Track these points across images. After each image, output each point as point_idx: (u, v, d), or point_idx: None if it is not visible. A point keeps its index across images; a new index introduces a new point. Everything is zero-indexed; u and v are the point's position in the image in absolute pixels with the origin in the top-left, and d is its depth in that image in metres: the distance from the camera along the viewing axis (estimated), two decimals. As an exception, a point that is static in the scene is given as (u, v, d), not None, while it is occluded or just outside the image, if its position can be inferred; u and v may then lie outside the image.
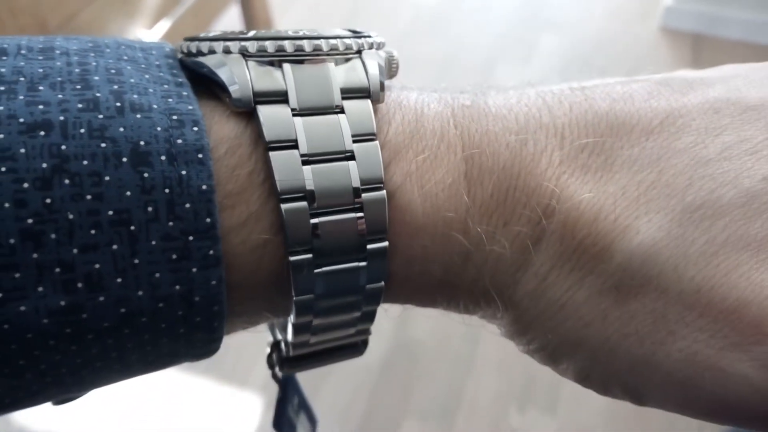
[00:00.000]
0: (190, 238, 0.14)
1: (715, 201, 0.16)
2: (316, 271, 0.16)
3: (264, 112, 0.16)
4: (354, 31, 0.18)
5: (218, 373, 1.00)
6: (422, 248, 0.17)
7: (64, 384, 0.15)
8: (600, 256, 0.16)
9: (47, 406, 0.16)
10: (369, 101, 0.17)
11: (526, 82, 0.20)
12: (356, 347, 0.21)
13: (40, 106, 0.14)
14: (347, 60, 0.17)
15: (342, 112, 0.17)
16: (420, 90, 0.19)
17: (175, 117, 0.15)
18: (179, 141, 0.14)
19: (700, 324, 0.15)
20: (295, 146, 0.16)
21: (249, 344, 0.96)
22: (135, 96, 0.15)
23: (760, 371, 0.15)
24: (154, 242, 0.14)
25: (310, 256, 0.16)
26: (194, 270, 0.14)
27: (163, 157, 0.14)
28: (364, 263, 0.17)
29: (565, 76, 1.59)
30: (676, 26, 1.77)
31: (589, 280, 0.17)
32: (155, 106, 0.15)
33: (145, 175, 0.14)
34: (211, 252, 0.14)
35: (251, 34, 0.17)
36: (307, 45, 0.17)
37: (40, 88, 0.14)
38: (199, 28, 1.29)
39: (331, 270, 0.16)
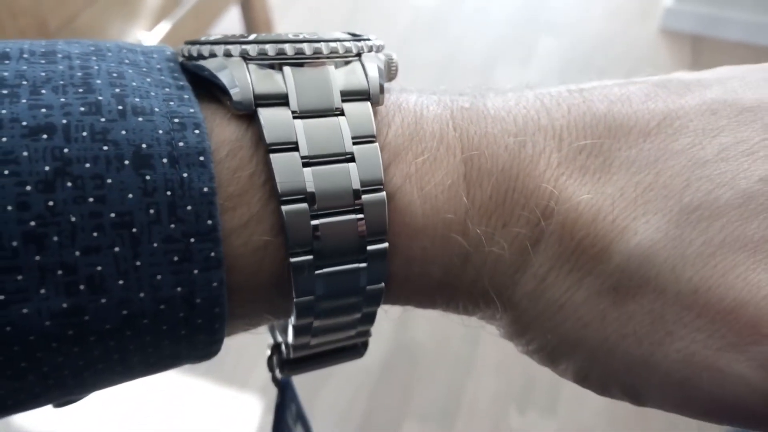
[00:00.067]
0: (192, 240, 0.14)
1: (713, 202, 0.16)
2: (317, 272, 0.16)
3: (265, 114, 0.16)
4: (354, 35, 0.19)
5: (218, 375, 1.00)
6: (422, 249, 0.17)
7: (66, 386, 0.15)
8: (598, 257, 0.17)
9: (48, 408, 0.16)
10: (369, 104, 0.17)
11: (525, 84, 0.20)
12: (356, 349, 0.21)
13: (43, 110, 0.14)
14: (347, 63, 0.17)
15: (342, 114, 0.17)
16: (419, 92, 0.19)
17: (176, 120, 0.15)
18: (181, 144, 0.14)
19: (698, 324, 0.16)
20: (296, 148, 0.16)
21: (249, 346, 0.96)
22: (137, 99, 0.15)
23: (758, 371, 0.15)
24: (155, 244, 0.14)
25: (310, 257, 0.16)
26: (196, 272, 0.14)
27: (164, 160, 0.14)
28: (364, 264, 0.17)
29: (564, 77, 1.59)
30: (676, 27, 1.78)
31: (588, 281, 0.17)
32: (157, 110, 0.15)
33: (147, 177, 0.14)
34: (213, 254, 0.14)
35: (252, 37, 0.17)
36: (307, 48, 0.17)
37: (43, 91, 0.14)
38: (199, 30, 1.29)
39: (332, 271, 0.17)
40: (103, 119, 0.14)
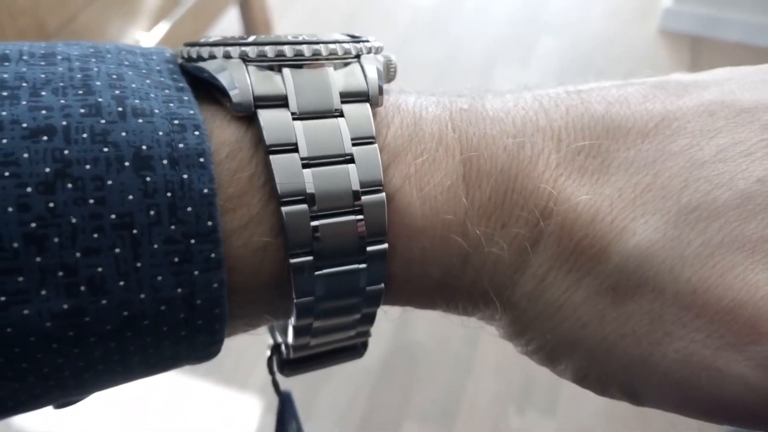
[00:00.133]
0: (192, 241, 0.14)
1: (711, 203, 0.16)
2: (317, 273, 0.16)
3: (264, 116, 0.16)
4: (352, 36, 0.19)
5: (218, 376, 1.00)
6: (421, 250, 0.17)
7: (66, 387, 0.15)
8: (597, 258, 0.17)
9: (48, 409, 0.16)
10: (368, 105, 0.17)
11: (524, 85, 0.20)
12: (356, 349, 0.21)
13: (43, 111, 0.14)
14: (346, 64, 0.18)
15: (341, 115, 0.17)
16: (418, 94, 0.19)
17: (176, 121, 0.15)
18: (181, 145, 0.14)
19: (697, 324, 0.16)
20: (295, 150, 0.16)
21: (249, 347, 0.96)
22: (137, 101, 0.15)
23: (756, 371, 0.15)
24: (156, 245, 0.14)
25: (310, 258, 0.16)
26: (196, 273, 0.14)
27: (164, 161, 0.14)
28: (364, 265, 0.17)
29: (564, 77, 1.59)
30: (675, 28, 1.78)
31: (587, 281, 0.17)
32: (157, 111, 0.15)
33: (147, 179, 0.14)
34: (213, 255, 0.15)
35: (251, 39, 0.17)
36: (306, 50, 0.17)
37: (43, 93, 0.14)
38: (198, 31, 1.29)
39: (332, 272, 0.17)
40: (103, 121, 0.14)
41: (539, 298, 0.17)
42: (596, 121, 0.18)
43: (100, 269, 0.14)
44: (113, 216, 0.14)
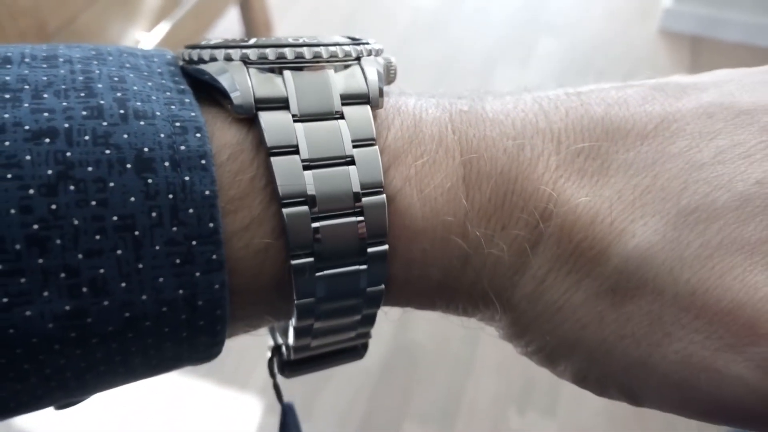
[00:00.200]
0: (194, 242, 0.14)
1: (710, 204, 0.16)
2: (318, 274, 0.16)
3: (265, 118, 0.16)
4: (353, 38, 0.19)
5: (219, 376, 1.00)
6: (421, 252, 0.17)
7: (68, 388, 0.15)
8: (597, 259, 0.17)
9: (49, 410, 0.16)
10: (368, 107, 0.17)
11: (523, 87, 0.20)
12: (356, 351, 0.21)
13: (45, 114, 0.14)
14: (346, 67, 0.18)
15: (342, 117, 0.17)
16: (418, 95, 0.19)
17: (178, 124, 0.15)
18: (182, 147, 0.15)
19: (696, 326, 0.16)
20: (296, 152, 0.16)
21: (250, 348, 0.96)
22: (138, 103, 0.15)
23: (755, 372, 0.15)
24: (158, 247, 0.14)
25: (311, 259, 0.16)
26: (197, 274, 0.14)
27: (166, 164, 0.14)
28: (364, 266, 0.17)
29: (563, 78, 1.59)
30: (675, 28, 1.78)
31: (586, 283, 0.17)
32: (158, 113, 0.15)
33: (149, 181, 0.14)
34: (214, 256, 0.15)
35: (252, 41, 0.17)
36: (307, 52, 0.17)
37: (45, 95, 0.14)
38: (198, 31, 1.29)
39: (332, 273, 0.17)
40: (105, 123, 0.14)
41: (539, 299, 0.18)
42: (596, 123, 0.18)
43: (102, 271, 0.14)
44: (115, 218, 0.14)
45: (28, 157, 0.13)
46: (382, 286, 0.18)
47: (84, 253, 0.13)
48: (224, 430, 0.95)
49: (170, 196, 0.14)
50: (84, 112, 0.14)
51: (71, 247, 0.13)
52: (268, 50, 0.17)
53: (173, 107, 0.15)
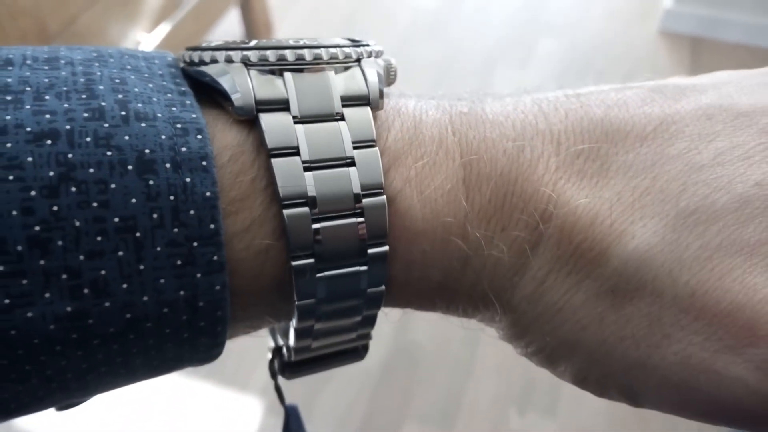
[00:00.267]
0: (195, 244, 0.14)
1: (709, 206, 0.16)
2: (318, 275, 0.16)
3: (266, 119, 0.16)
4: (353, 40, 0.19)
5: (219, 377, 1.00)
6: (422, 253, 0.17)
7: (69, 389, 0.15)
8: (596, 261, 0.17)
9: (50, 411, 0.16)
10: (368, 108, 0.17)
11: (523, 88, 0.20)
12: (357, 352, 0.21)
13: (47, 116, 0.14)
14: (347, 68, 0.18)
15: (342, 119, 0.17)
16: (418, 97, 0.19)
17: (179, 125, 0.15)
18: (183, 149, 0.15)
19: (695, 327, 0.16)
20: (297, 153, 0.16)
21: (250, 348, 0.96)
22: (139, 105, 0.15)
23: (755, 373, 0.15)
24: (159, 248, 0.14)
25: (311, 260, 0.16)
26: (198, 275, 0.15)
27: (167, 165, 0.14)
28: (364, 267, 0.17)
29: (563, 78, 1.59)
30: (675, 29, 1.78)
31: (586, 284, 0.17)
32: (159, 115, 0.15)
33: (150, 182, 0.14)
34: (215, 258, 0.15)
35: (253, 43, 0.17)
36: (307, 54, 0.17)
37: (47, 97, 0.14)
38: (199, 32, 1.30)
39: (333, 274, 0.17)
40: (106, 125, 0.14)
41: (539, 300, 0.18)
42: (595, 124, 0.18)
43: (103, 272, 0.14)
44: (116, 219, 0.14)
45: (29, 159, 0.13)
46: (383, 287, 0.18)
47: (85, 254, 0.13)
48: (225, 431, 0.95)
49: (171, 197, 0.14)
50: (85, 114, 0.14)
51: (73, 248, 0.13)
52: (268, 52, 0.17)
53: (174, 109, 0.15)
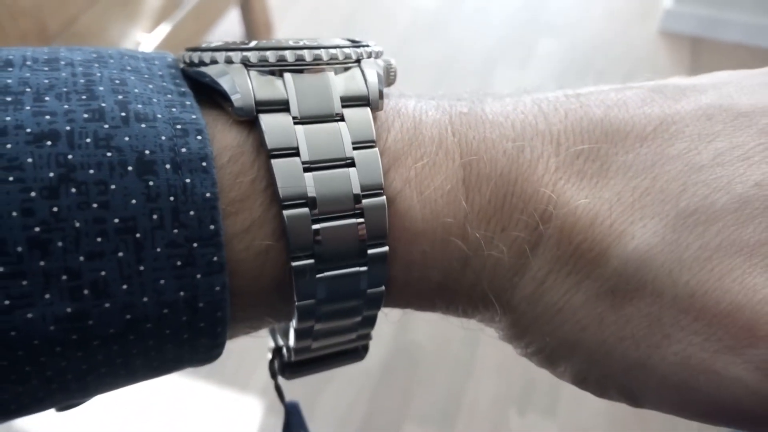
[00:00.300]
0: (195, 245, 0.14)
1: (709, 206, 0.16)
2: (318, 276, 0.16)
3: (266, 120, 0.16)
4: (353, 41, 0.19)
5: (219, 378, 1.00)
6: (421, 253, 0.17)
7: (69, 390, 0.15)
8: (596, 261, 0.17)
9: (50, 411, 0.17)
10: (368, 109, 0.17)
11: (523, 88, 0.20)
12: (357, 352, 0.21)
13: (47, 117, 0.14)
14: (346, 69, 0.18)
15: (342, 120, 0.17)
16: (418, 97, 0.19)
17: (179, 126, 0.15)
18: (183, 150, 0.15)
19: (695, 328, 0.16)
20: (297, 154, 0.16)
21: (250, 349, 0.96)
22: (139, 106, 0.15)
23: (754, 373, 0.15)
24: (159, 249, 0.14)
25: (311, 261, 0.16)
26: (198, 276, 0.15)
27: (167, 166, 0.14)
28: (364, 268, 0.17)
29: (563, 78, 1.59)
30: (675, 29, 1.78)
31: (586, 285, 0.17)
32: (159, 116, 0.15)
33: (150, 183, 0.14)
34: (215, 258, 0.15)
35: (253, 44, 0.17)
36: (307, 55, 0.17)
37: (47, 98, 0.14)
38: (199, 32, 1.30)
39: (333, 275, 0.17)
40: (106, 126, 0.14)
41: (539, 300, 0.18)
42: (595, 124, 0.18)
43: (103, 273, 0.14)
44: (116, 220, 0.14)
45: (29, 160, 0.13)
46: (383, 288, 0.18)
47: (85, 255, 0.13)
48: (225, 431, 0.95)
49: (171, 198, 0.14)
50: (85, 115, 0.14)
51: (72, 249, 0.13)
52: (268, 53, 0.17)
53: (174, 110, 0.15)
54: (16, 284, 0.13)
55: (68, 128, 0.14)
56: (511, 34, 1.77)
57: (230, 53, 0.17)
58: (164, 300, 0.14)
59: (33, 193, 0.13)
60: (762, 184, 0.16)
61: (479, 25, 1.80)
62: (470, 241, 0.17)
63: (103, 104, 0.14)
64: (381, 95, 0.18)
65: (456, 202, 0.17)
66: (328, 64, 0.17)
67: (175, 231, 0.14)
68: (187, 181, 0.14)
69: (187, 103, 0.16)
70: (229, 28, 1.56)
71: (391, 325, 1.04)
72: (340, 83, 0.17)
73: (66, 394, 0.15)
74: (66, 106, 0.14)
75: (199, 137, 0.15)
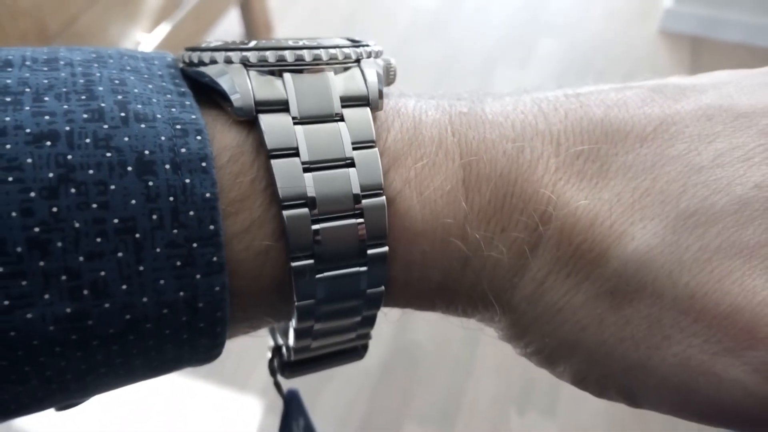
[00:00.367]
0: (194, 245, 0.14)
1: (709, 208, 0.16)
2: (318, 276, 0.16)
3: (265, 120, 0.16)
4: (352, 40, 0.19)
5: (219, 377, 1.00)
6: (421, 253, 0.17)
7: (68, 390, 0.15)
8: (596, 262, 0.17)
9: (50, 411, 0.17)
10: (368, 109, 0.17)
11: (523, 88, 0.20)
12: (356, 351, 0.21)
13: (46, 117, 0.14)
14: (346, 69, 0.18)
15: (342, 120, 0.17)
16: (418, 97, 0.19)
17: (178, 126, 0.15)
18: (183, 150, 0.15)
19: (695, 329, 0.16)
20: (296, 154, 0.16)
21: (249, 348, 0.96)
22: (139, 106, 0.15)
23: (753, 375, 0.15)
24: (158, 249, 0.14)
25: (311, 261, 0.16)
26: (198, 276, 0.15)
27: (167, 166, 0.14)
28: (364, 268, 0.17)
29: (563, 78, 1.59)
30: (675, 29, 1.78)
31: (586, 285, 0.17)
32: (159, 116, 0.15)
33: (150, 183, 0.14)
34: (215, 258, 0.15)
35: (252, 44, 0.17)
36: (307, 55, 0.17)
37: (46, 98, 0.14)
38: (199, 32, 1.30)
39: (333, 275, 0.17)
40: (106, 126, 0.14)
41: (538, 301, 0.18)
42: (595, 125, 0.18)
43: (103, 273, 0.14)
44: (116, 220, 0.14)
45: (29, 160, 0.13)
46: (382, 288, 0.18)
47: (85, 255, 0.13)
48: (224, 431, 0.95)
49: (171, 198, 0.14)
50: (85, 115, 0.14)
51: (72, 249, 0.13)
52: (268, 53, 0.17)
53: (174, 110, 0.15)
54: (16, 284, 0.13)
55: (68, 128, 0.14)
56: (511, 34, 1.77)
57: (229, 53, 0.17)
58: (164, 300, 0.14)
59: (32, 194, 0.13)
60: (762, 186, 0.16)
61: (479, 25, 1.80)
62: (470, 241, 0.17)
63: (103, 104, 0.14)
64: (381, 95, 0.18)
65: (456, 203, 0.17)
66: (327, 64, 0.17)
67: (175, 231, 0.14)
68: (187, 181, 0.14)
69: (187, 103, 0.16)
70: (228, 28, 1.56)
71: (390, 324, 1.04)
72: (340, 83, 0.17)
73: (65, 394, 0.15)
74: (65, 107, 0.14)
75: (198, 137, 0.15)
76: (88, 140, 0.14)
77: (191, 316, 0.15)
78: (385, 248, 0.17)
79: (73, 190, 0.13)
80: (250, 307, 0.17)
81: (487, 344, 1.04)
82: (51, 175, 0.13)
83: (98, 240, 0.14)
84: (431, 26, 1.79)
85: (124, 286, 0.14)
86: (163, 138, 0.14)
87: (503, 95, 0.20)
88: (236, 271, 0.16)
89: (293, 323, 0.18)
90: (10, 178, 0.13)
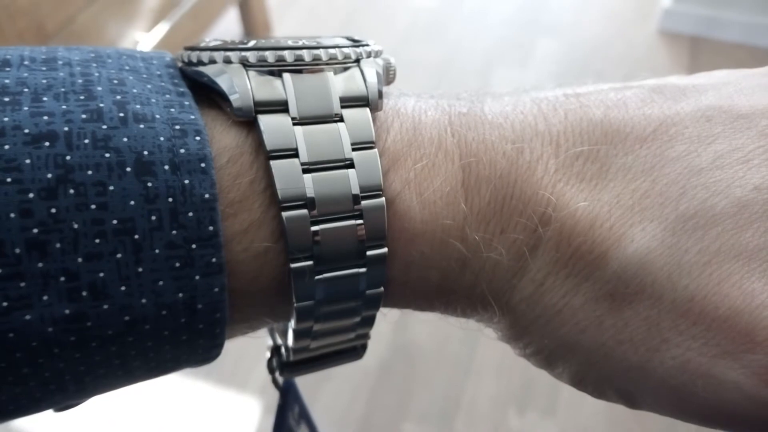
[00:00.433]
0: (193, 246, 0.14)
1: (708, 210, 0.16)
2: (317, 277, 0.16)
3: (265, 121, 0.16)
4: (352, 40, 0.19)
5: (217, 377, 1.00)
6: (420, 254, 0.17)
7: (67, 391, 0.15)
8: (595, 264, 0.17)
9: (48, 412, 0.16)
10: (368, 109, 0.17)
11: (522, 88, 0.20)
12: (355, 351, 0.21)
13: (45, 117, 0.14)
14: (346, 69, 0.18)
15: (341, 120, 0.17)
16: (417, 97, 0.19)
17: (177, 127, 0.15)
18: (182, 150, 0.15)
19: (694, 332, 0.16)
20: (296, 155, 0.16)
21: (248, 348, 0.96)
22: (138, 106, 0.15)
23: (751, 379, 0.15)
24: (157, 250, 0.14)
25: (310, 262, 0.16)
26: (197, 277, 0.14)
27: (166, 167, 0.14)
28: (363, 269, 0.17)
29: (563, 78, 1.59)
30: (674, 29, 1.78)
31: (585, 287, 0.17)
32: (158, 116, 0.15)
33: (149, 184, 0.14)
34: (214, 260, 0.15)
35: (251, 44, 0.17)
36: (306, 55, 0.17)
37: (44, 99, 0.14)
38: (197, 32, 1.29)
39: (332, 276, 0.17)
40: (104, 126, 0.14)
41: (537, 302, 0.18)
42: (594, 125, 0.18)
43: (101, 274, 0.14)
44: (115, 221, 0.14)
45: (27, 161, 0.13)
46: (381, 289, 0.18)
47: (84, 256, 0.13)
48: (223, 431, 0.95)
49: (170, 199, 0.14)
50: (83, 116, 0.14)
51: (71, 250, 0.13)
52: (267, 53, 0.17)
53: (173, 110, 0.15)
54: (14, 286, 0.13)
55: (66, 129, 0.14)
56: (511, 34, 1.77)
57: (228, 53, 0.17)
58: (163, 301, 0.14)
59: (31, 194, 0.13)
60: (761, 188, 0.16)
61: (479, 26, 1.80)
62: (469, 242, 0.17)
63: (102, 104, 0.14)
64: (380, 95, 0.18)
65: (455, 204, 0.17)
66: (327, 64, 0.17)
67: (174, 232, 0.14)
68: (186, 182, 0.14)
69: (186, 103, 0.16)
70: (227, 27, 1.56)
71: (389, 324, 1.04)
72: (340, 83, 0.17)
73: (64, 395, 0.15)
74: (64, 107, 0.14)
75: (197, 138, 0.15)
76: (86, 141, 0.14)
77: (190, 318, 0.15)
78: (385, 249, 0.17)
79: (71, 191, 0.13)
80: (249, 307, 0.17)
81: (486, 344, 1.04)
82: (50, 175, 0.13)
83: (97, 241, 0.13)
84: (431, 26, 1.78)
85: (123, 288, 0.14)
86: (162, 138, 0.14)
87: (503, 95, 0.20)
88: (235, 272, 0.16)
89: (292, 324, 0.18)
90: (9, 179, 0.13)
